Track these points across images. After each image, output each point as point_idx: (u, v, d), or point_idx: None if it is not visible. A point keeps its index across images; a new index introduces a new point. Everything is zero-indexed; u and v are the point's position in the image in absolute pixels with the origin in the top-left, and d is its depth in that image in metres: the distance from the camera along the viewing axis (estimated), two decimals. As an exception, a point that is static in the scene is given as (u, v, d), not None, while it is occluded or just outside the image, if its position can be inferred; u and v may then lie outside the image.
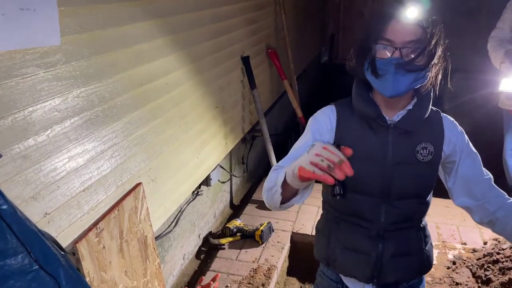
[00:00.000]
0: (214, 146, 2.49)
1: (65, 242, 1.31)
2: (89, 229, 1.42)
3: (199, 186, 2.50)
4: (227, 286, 2.26)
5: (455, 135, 1.21)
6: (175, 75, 1.97)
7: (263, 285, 2.23)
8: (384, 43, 1.08)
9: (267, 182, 1.14)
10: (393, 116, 1.18)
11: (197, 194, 2.50)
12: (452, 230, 2.67)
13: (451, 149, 1.21)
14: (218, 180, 2.74)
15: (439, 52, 1.10)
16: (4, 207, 0.83)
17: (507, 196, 1.20)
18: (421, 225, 1.30)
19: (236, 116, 2.82)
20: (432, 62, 1.09)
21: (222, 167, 2.78)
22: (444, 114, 1.24)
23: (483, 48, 2.88)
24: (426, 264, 1.30)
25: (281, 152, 3.74)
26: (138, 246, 1.68)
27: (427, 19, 1.07)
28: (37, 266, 0.86)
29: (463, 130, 1.24)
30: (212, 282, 2.23)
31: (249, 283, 2.25)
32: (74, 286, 0.92)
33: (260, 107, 3.02)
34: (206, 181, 2.52)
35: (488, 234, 2.59)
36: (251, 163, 3.49)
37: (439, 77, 1.15)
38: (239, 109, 2.86)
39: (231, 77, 2.68)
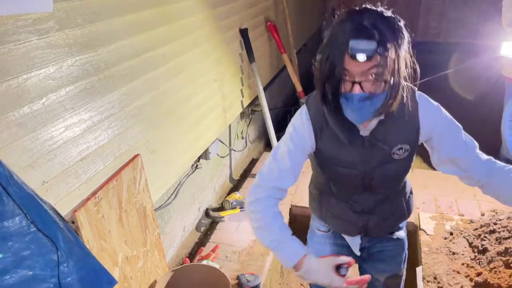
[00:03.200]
0: (213, 119, 2.48)
1: (63, 211, 1.32)
2: (88, 198, 1.43)
3: (198, 160, 2.50)
4: (227, 256, 2.29)
5: (431, 119, 1.19)
6: (172, 46, 1.94)
7: (262, 255, 2.27)
8: (343, 77, 1.02)
9: (252, 214, 1.20)
10: (367, 125, 1.18)
11: (196, 168, 2.51)
12: (450, 202, 2.69)
13: (427, 135, 1.21)
14: (217, 155, 2.75)
15: (403, 64, 1.03)
16: (0, 170, 0.84)
17: (493, 160, 1.20)
18: (401, 187, 1.36)
19: (235, 90, 2.81)
20: (397, 79, 1.02)
21: (221, 141, 2.78)
22: (418, 93, 1.19)
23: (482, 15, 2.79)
24: (406, 213, 1.41)
25: (281, 127, 3.74)
26: (137, 216, 1.70)
27: (382, 45, 0.97)
28: (34, 228, 0.87)
29: (439, 105, 1.21)
30: (212, 253, 2.27)
31: (248, 254, 2.29)
32: (72, 248, 0.94)
33: (259, 81, 2.99)
34: (205, 155, 2.53)
35: (486, 206, 2.61)
36: (251, 137, 3.49)
37: (408, 81, 1.09)
38: (237, 83, 2.84)
39: (229, 49, 2.65)
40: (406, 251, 1.51)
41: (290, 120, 1.27)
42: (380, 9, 1.02)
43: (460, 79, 3.93)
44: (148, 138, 1.80)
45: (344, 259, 1.12)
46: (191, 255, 2.37)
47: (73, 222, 1.36)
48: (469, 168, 1.20)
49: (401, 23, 1.02)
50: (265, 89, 3.21)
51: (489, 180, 1.19)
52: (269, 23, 3.37)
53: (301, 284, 2.67)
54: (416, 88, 1.20)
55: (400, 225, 1.45)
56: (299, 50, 4.38)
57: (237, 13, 2.74)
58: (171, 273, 1.84)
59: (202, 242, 2.47)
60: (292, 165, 1.20)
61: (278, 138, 3.33)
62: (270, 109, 3.13)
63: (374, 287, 1.54)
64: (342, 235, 1.45)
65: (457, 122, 1.21)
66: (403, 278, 1.55)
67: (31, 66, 1.17)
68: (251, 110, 3.31)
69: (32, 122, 1.19)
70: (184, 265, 2.00)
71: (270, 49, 3.52)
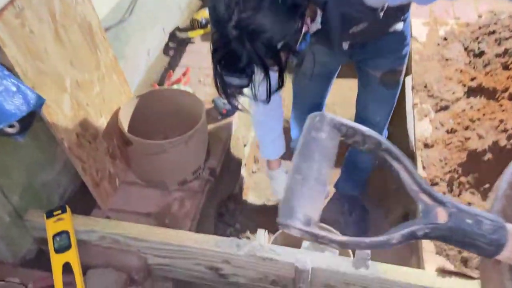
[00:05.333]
0: None
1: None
2: (4, 8, 1.10)
3: (154, -32, 2.06)
4: (200, 80, 2.08)
5: None
6: None
7: (238, 76, 2.06)
8: None
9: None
10: None
11: (153, -22, 2.08)
12: (446, 5, 2.40)
13: None
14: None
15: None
16: None
17: None
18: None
19: None
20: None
21: None
22: None
23: None
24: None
25: None
26: (81, 33, 1.39)
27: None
28: None
29: None
30: (183, 77, 2.04)
31: (223, 75, 2.07)
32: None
33: None
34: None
35: (484, 7, 2.33)
36: None
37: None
38: None
39: None
40: (408, 48, 1.32)
41: None
42: None
43: None
44: None
45: None
46: (160, 81, 2.15)
47: (-9, 40, 1.07)
48: None
49: None
50: None
51: None
52: None
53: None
54: None
55: (400, 18, 1.22)
56: None
57: None
58: (137, 99, 1.63)
59: (171, 66, 2.21)
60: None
61: None
62: None
63: (370, 84, 1.39)
64: None
65: None
66: (402, 75, 1.38)
67: None
68: None
69: None
70: (152, 89, 1.79)
71: None
